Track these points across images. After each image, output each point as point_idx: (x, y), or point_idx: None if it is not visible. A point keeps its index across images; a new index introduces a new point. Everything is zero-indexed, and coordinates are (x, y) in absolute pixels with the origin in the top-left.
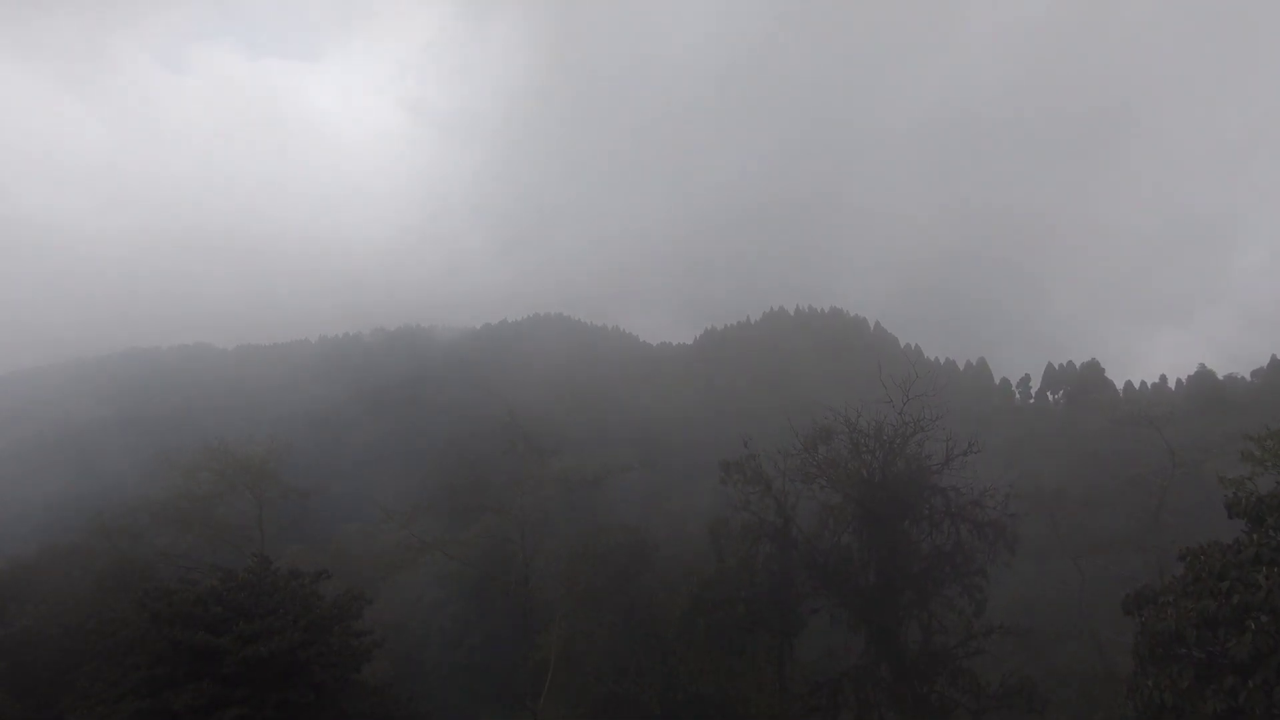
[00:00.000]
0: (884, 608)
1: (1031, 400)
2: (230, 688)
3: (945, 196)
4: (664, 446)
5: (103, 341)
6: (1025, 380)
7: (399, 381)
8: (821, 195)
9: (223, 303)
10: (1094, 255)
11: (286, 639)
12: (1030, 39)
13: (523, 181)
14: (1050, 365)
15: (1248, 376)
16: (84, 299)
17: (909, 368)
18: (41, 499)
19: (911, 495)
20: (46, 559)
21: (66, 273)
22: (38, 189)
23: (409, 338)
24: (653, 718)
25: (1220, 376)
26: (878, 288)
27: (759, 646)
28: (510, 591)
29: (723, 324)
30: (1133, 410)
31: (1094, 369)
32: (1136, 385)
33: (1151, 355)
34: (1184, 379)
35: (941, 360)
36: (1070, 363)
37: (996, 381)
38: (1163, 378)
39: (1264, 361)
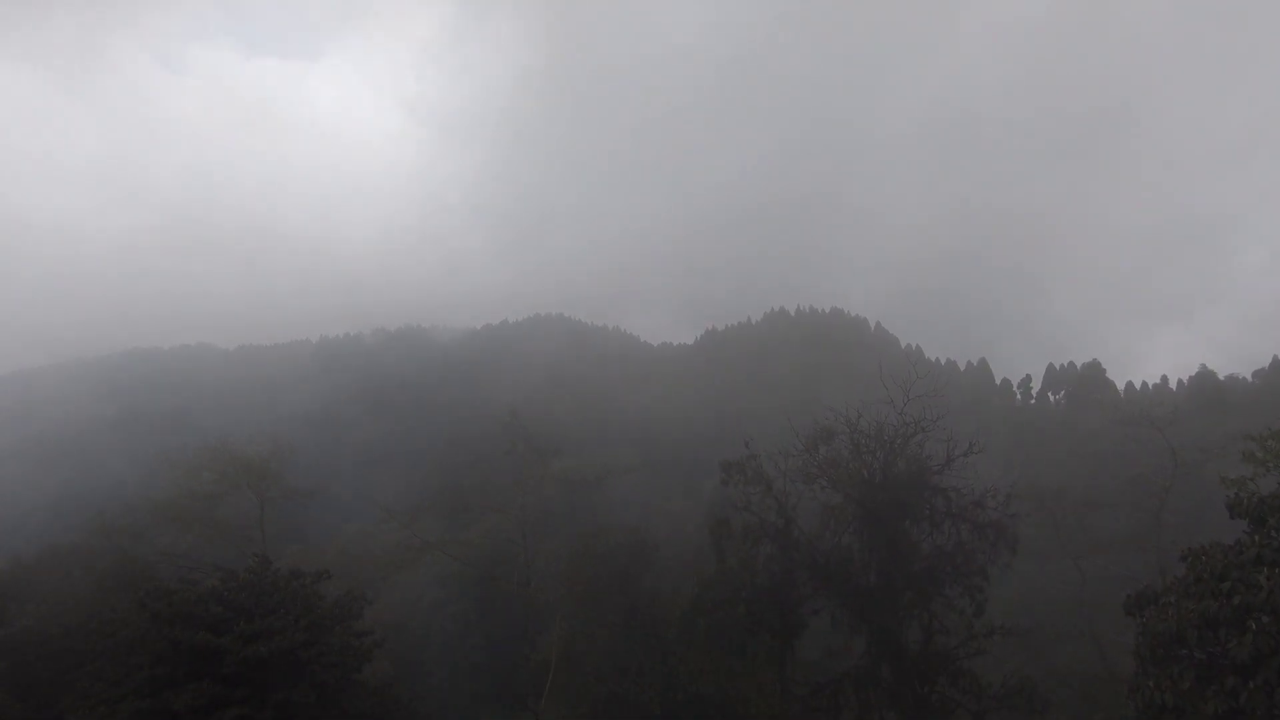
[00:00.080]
0: (885, 608)
1: (1032, 400)
2: (231, 688)
3: (945, 196)
4: (664, 447)
5: (103, 341)
6: (1026, 380)
7: (399, 381)
8: (821, 195)
9: (223, 303)
10: (1094, 255)
11: (287, 639)
12: (1030, 39)
13: (522, 181)
14: (1051, 365)
15: (1249, 377)
16: (84, 299)
17: (909, 368)
18: (41, 499)
19: (912, 496)
20: (47, 559)
21: (66, 273)
22: (37, 189)
23: (409, 338)
24: (653, 718)
25: (1221, 377)
26: (878, 288)
27: (760, 647)
28: (511, 592)
29: (723, 324)
30: (1134, 410)
31: (1095, 369)
32: (1137, 385)
33: (1152, 355)
34: (1185, 379)
35: (942, 360)
36: (1071, 363)
37: (997, 382)
38: (1164, 378)
39: (1265, 362)
